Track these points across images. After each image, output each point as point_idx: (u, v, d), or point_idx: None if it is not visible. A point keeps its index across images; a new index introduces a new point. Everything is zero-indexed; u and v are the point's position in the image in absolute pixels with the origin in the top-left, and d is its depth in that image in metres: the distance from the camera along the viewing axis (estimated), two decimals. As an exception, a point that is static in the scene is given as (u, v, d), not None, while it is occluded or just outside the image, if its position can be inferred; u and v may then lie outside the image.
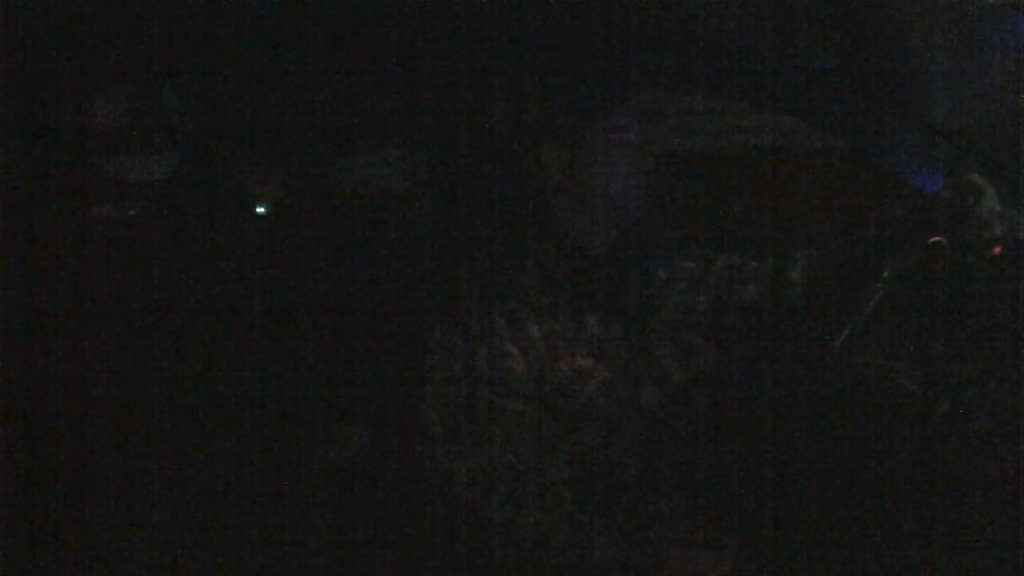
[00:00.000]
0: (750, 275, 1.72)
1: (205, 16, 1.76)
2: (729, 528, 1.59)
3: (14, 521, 1.60)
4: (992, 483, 1.49)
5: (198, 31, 1.82)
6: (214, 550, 1.72)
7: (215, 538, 1.73)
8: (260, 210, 2.25)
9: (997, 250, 1.58)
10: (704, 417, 1.64)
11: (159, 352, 1.82)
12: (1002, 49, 1.72)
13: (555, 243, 1.66)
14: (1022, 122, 1.63)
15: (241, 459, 1.78)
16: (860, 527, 1.55)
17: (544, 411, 1.57)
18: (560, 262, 1.65)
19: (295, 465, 1.82)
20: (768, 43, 1.79)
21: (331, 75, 2.09)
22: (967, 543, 1.49)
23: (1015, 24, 1.68)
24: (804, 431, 1.61)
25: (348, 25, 1.84)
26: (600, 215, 1.66)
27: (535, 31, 1.81)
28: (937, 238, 1.52)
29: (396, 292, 1.96)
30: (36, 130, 1.74)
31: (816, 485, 1.59)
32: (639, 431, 1.61)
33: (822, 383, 1.60)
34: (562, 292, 1.63)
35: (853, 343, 1.57)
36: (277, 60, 1.98)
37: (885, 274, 1.57)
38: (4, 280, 1.64)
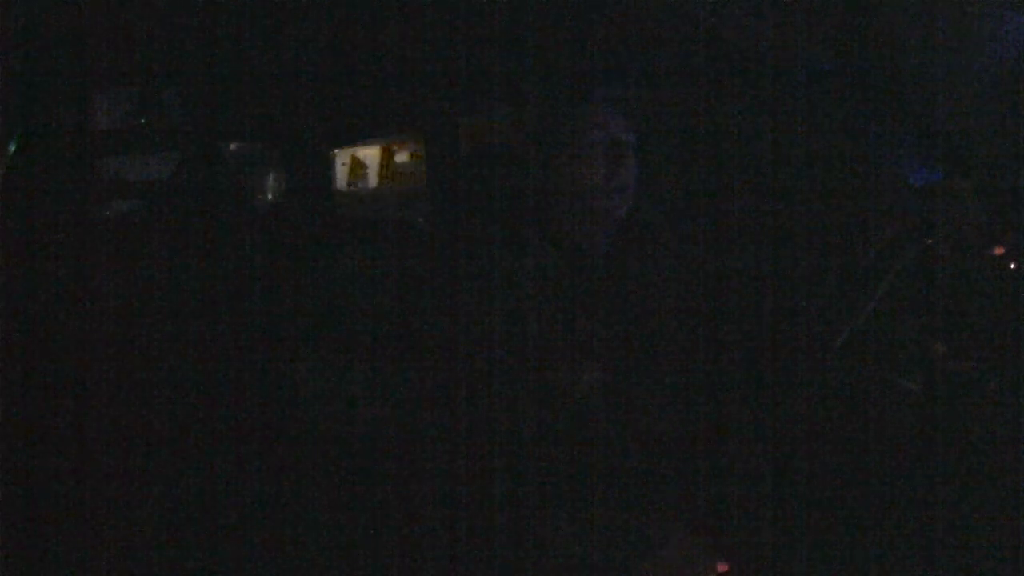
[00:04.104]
0: (750, 274, 1.72)
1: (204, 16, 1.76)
2: (729, 529, 1.59)
3: (14, 521, 1.60)
4: (992, 483, 1.49)
5: (198, 31, 1.82)
6: (214, 550, 1.72)
7: (215, 538, 1.73)
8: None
9: (998, 250, 1.58)
10: (704, 417, 1.64)
11: (159, 351, 1.82)
12: (1002, 49, 1.72)
13: (553, 243, 1.66)
14: (1022, 122, 1.63)
15: (241, 459, 1.78)
16: (860, 527, 1.55)
17: (544, 409, 1.57)
18: (559, 262, 1.65)
19: (295, 463, 1.82)
20: (768, 43, 1.79)
21: (330, 73, 2.09)
22: (967, 543, 1.49)
23: (1015, 24, 1.68)
24: (804, 431, 1.61)
25: (344, 23, 1.84)
26: (588, 213, 1.65)
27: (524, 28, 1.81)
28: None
29: (395, 292, 1.96)
30: (36, 130, 1.74)
31: (816, 485, 1.59)
32: (638, 430, 1.61)
33: (822, 384, 1.60)
34: (561, 291, 1.63)
35: (853, 344, 1.57)
36: (275, 58, 1.97)
37: (885, 274, 1.57)
38: (4, 280, 1.64)
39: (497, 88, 2.15)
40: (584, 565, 1.52)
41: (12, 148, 1.73)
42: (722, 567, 1.55)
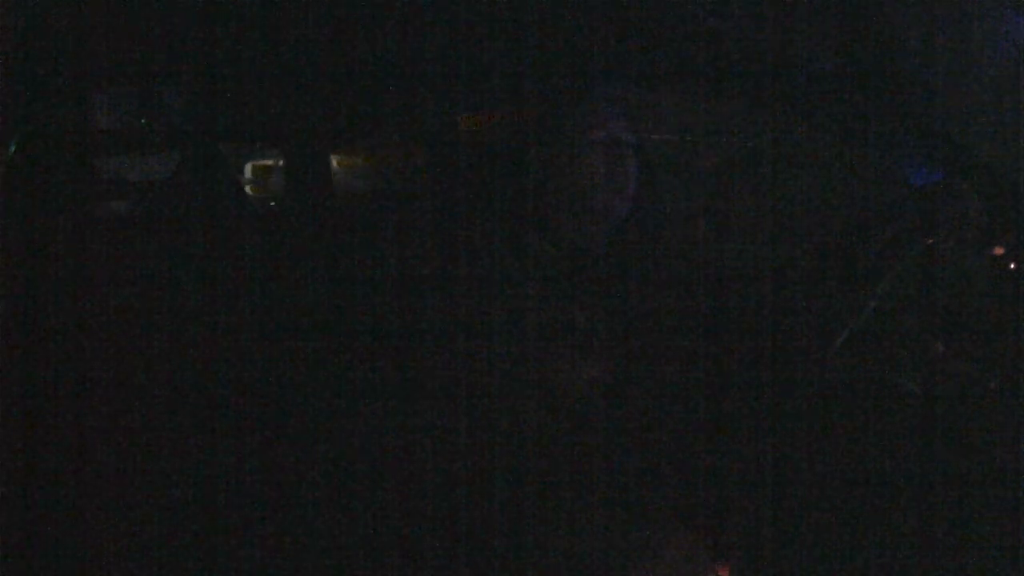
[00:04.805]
0: (749, 274, 1.72)
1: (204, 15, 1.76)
2: (729, 529, 1.59)
3: (14, 521, 1.60)
4: (992, 483, 1.49)
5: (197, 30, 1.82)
6: (214, 550, 1.72)
7: (215, 538, 1.73)
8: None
9: (997, 250, 1.58)
10: (703, 417, 1.64)
11: (159, 350, 1.82)
12: (1002, 49, 1.72)
13: (552, 242, 1.66)
14: (1022, 122, 1.63)
15: (241, 458, 1.78)
16: (860, 527, 1.55)
17: (543, 408, 1.57)
18: (559, 262, 1.65)
19: (295, 464, 1.83)
20: (768, 43, 1.79)
21: (330, 73, 2.09)
22: (967, 543, 1.49)
23: (1015, 24, 1.68)
24: (804, 432, 1.61)
25: (344, 22, 1.84)
26: (587, 212, 1.65)
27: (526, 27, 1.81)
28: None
29: (394, 290, 1.96)
30: (36, 130, 1.74)
31: (816, 486, 1.59)
32: (637, 430, 1.61)
33: (822, 384, 1.60)
34: (560, 291, 1.63)
35: (853, 344, 1.57)
36: (275, 57, 1.98)
37: (885, 274, 1.57)
38: (4, 280, 1.64)
39: (497, 88, 2.15)
40: (584, 566, 1.52)
41: (12, 148, 1.73)
42: (722, 571, 1.55)
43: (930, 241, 1.58)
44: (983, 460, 1.51)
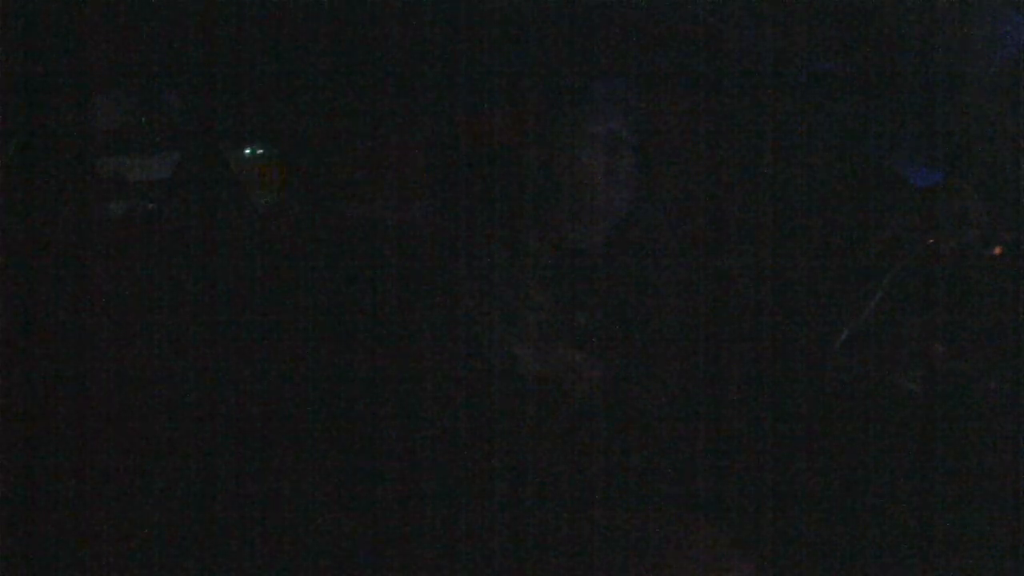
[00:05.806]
0: (749, 274, 1.72)
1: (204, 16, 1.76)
2: (728, 528, 1.59)
3: (14, 521, 1.60)
4: (992, 483, 1.49)
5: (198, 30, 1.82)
6: (214, 550, 1.72)
7: (215, 538, 1.73)
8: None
9: (997, 250, 1.58)
10: (704, 417, 1.64)
11: (160, 352, 1.82)
12: (1002, 49, 1.72)
13: (551, 241, 1.66)
14: (1022, 123, 1.63)
15: (241, 458, 1.78)
16: (859, 527, 1.55)
17: (544, 408, 1.57)
18: (557, 260, 1.65)
19: (295, 463, 1.83)
20: (769, 43, 1.79)
21: (329, 73, 2.09)
22: (967, 543, 1.49)
23: (1015, 24, 1.68)
24: (804, 431, 1.61)
25: (343, 22, 1.84)
26: (587, 212, 1.66)
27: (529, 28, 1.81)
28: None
29: (395, 291, 1.96)
30: (36, 130, 1.74)
31: (815, 485, 1.59)
32: (638, 430, 1.61)
33: (822, 384, 1.60)
34: (560, 290, 1.63)
35: (853, 344, 1.57)
36: (275, 58, 1.98)
37: (885, 274, 1.57)
38: (4, 280, 1.64)
39: (497, 87, 2.15)
40: (584, 564, 1.52)
41: (12, 148, 1.73)
42: (721, 570, 1.55)
43: (930, 241, 1.58)
44: (983, 460, 1.51)
